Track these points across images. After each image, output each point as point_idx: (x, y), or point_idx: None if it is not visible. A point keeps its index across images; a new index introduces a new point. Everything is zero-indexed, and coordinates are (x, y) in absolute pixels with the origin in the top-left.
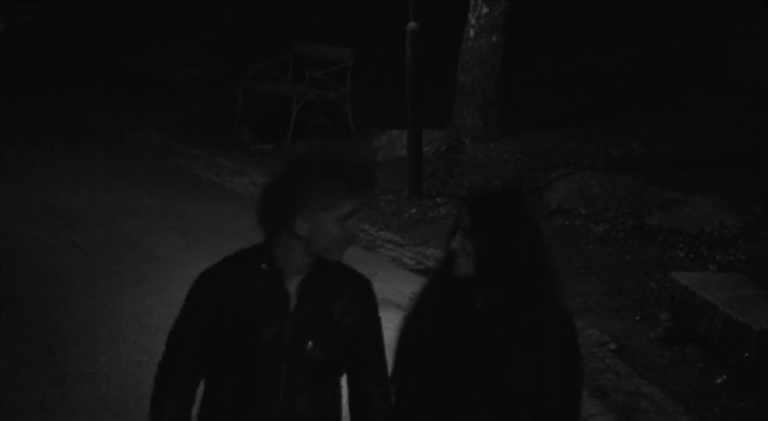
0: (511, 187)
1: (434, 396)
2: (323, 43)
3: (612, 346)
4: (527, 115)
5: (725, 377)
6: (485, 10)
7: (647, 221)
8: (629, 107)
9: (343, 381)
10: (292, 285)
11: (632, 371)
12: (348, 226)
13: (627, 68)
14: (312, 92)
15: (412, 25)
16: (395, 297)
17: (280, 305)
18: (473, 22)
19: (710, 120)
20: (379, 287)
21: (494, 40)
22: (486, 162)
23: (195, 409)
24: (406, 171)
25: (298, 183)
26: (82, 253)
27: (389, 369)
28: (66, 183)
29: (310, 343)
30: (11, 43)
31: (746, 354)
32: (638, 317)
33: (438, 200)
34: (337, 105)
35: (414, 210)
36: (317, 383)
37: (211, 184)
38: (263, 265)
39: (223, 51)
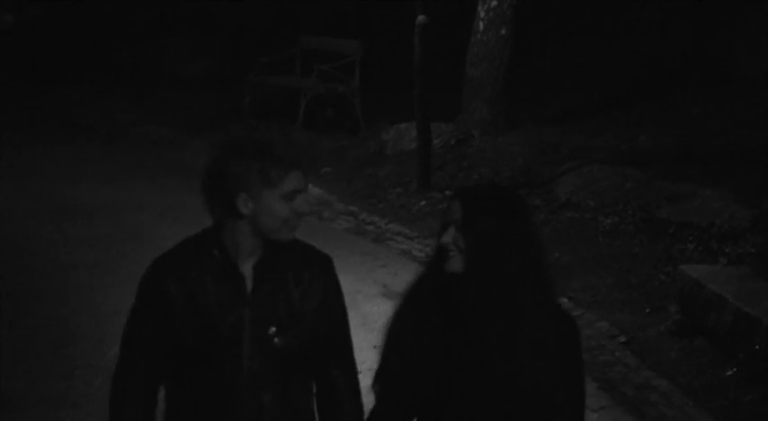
0: (506, 182)
1: (420, 402)
2: (331, 36)
3: (622, 339)
4: (535, 108)
5: (734, 370)
6: (494, 3)
7: (655, 214)
8: (636, 102)
9: None
10: (247, 269)
11: (641, 364)
12: (295, 204)
13: (633, 63)
14: (320, 85)
15: (421, 18)
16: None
17: (235, 290)
18: (482, 14)
19: (715, 116)
20: (388, 279)
21: (503, 32)
22: (494, 155)
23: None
24: (414, 164)
25: (236, 163)
26: (88, 247)
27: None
28: (71, 179)
29: (272, 329)
30: (16, 38)
31: (756, 347)
32: (647, 310)
33: (447, 192)
34: (346, 99)
35: (423, 203)
36: (283, 374)
37: None
38: (214, 251)
39: (228, 46)
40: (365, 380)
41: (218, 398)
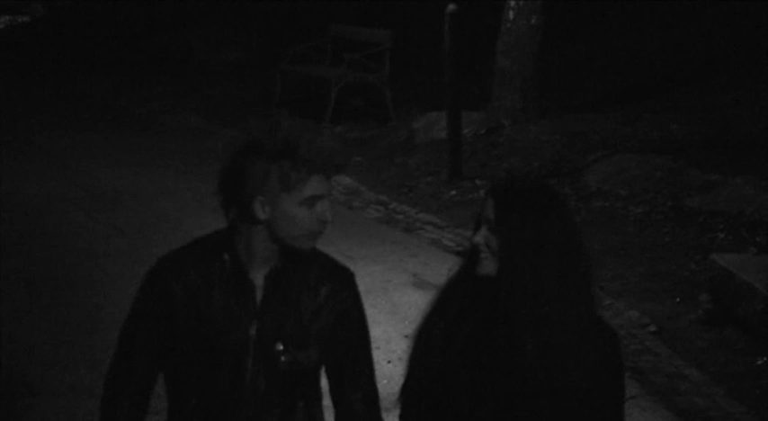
0: (542, 176)
1: (447, 417)
2: (361, 26)
3: (652, 328)
4: (566, 97)
5: (765, 358)
6: None
7: (686, 203)
8: (667, 89)
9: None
10: (258, 278)
11: (672, 353)
12: (316, 210)
13: (664, 50)
14: (351, 74)
15: (451, 7)
16: (435, 279)
17: (243, 300)
18: (512, 3)
19: (746, 103)
20: (418, 268)
21: (533, 21)
22: (524, 144)
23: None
24: (445, 153)
25: (255, 163)
26: (119, 235)
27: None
28: (104, 166)
29: (279, 345)
30: (50, 26)
31: None
32: (677, 299)
33: (477, 182)
34: (376, 88)
35: (453, 192)
36: (289, 397)
37: None
38: (225, 256)
39: (260, 34)
40: (396, 370)
41: (216, 417)
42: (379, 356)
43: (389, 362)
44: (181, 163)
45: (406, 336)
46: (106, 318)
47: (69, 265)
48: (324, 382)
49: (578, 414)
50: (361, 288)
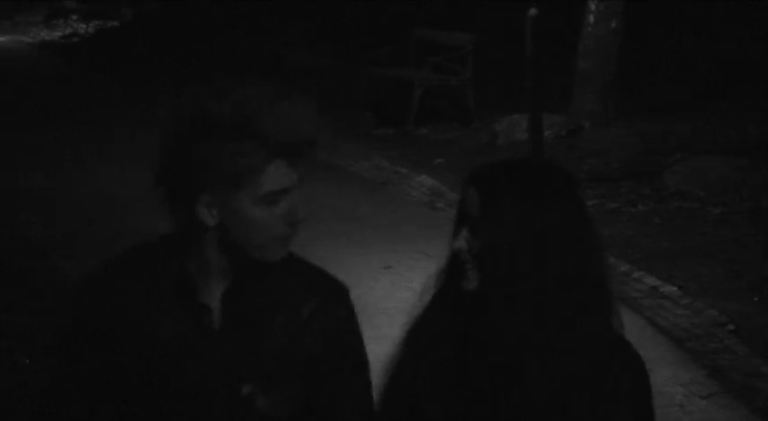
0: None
1: None
2: (444, 29)
3: (730, 327)
4: (645, 99)
5: None
6: None
7: (764, 203)
8: (745, 90)
9: None
10: (214, 298)
11: (750, 352)
12: (280, 209)
13: (742, 51)
14: (434, 77)
15: (532, 11)
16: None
17: (196, 328)
18: (593, 8)
19: None
20: None
21: (613, 25)
22: (604, 146)
23: None
24: (526, 154)
25: (193, 146)
26: None
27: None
28: None
29: (248, 386)
30: (138, 30)
31: None
32: (755, 299)
33: None
34: (459, 90)
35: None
36: None
37: (334, 168)
38: (173, 269)
39: (345, 38)
40: None
41: None
42: None
43: None
44: None
45: None
46: None
47: None
48: None
49: None
50: None
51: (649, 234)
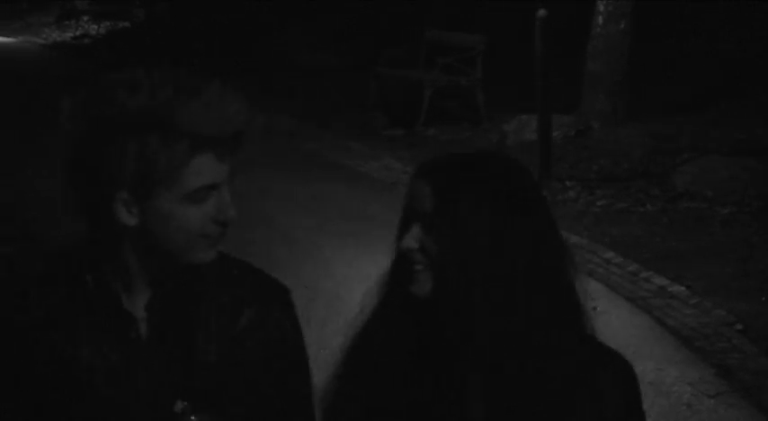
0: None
1: None
2: (454, 30)
3: (739, 326)
4: (654, 99)
5: None
6: None
7: None
8: (753, 91)
9: None
10: (138, 307)
11: (758, 351)
12: (208, 206)
13: (750, 52)
14: (444, 78)
15: (541, 12)
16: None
17: (121, 341)
18: (601, 9)
19: None
20: None
21: (622, 26)
22: (613, 146)
23: None
24: (535, 155)
25: (108, 139)
26: None
27: None
28: None
29: (181, 404)
30: (149, 31)
31: None
32: (763, 298)
33: (567, 183)
34: (468, 91)
35: (543, 193)
36: None
37: (344, 168)
38: (87, 277)
39: (356, 38)
40: None
41: None
42: None
43: None
44: (275, 164)
45: None
46: None
47: None
48: None
49: None
50: None
51: (658, 234)
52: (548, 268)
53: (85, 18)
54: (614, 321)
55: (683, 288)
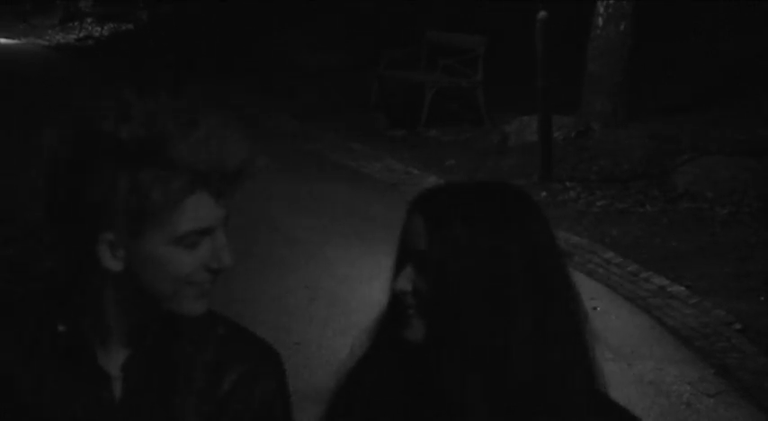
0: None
1: None
2: (455, 31)
3: (738, 326)
4: (655, 100)
5: None
6: None
7: None
8: (753, 92)
9: None
10: (114, 363)
11: (757, 351)
12: (201, 252)
13: (751, 53)
14: (445, 79)
15: (542, 14)
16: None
17: (93, 402)
18: (601, 10)
19: None
20: None
21: (622, 28)
22: (614, 147)
23: None
24: (536, 156)
25: (93, 172)
26: None
27: None
28: None
29: None
30: (152, 32)
31: None
32: (763, 298)
33: (567, 184)
34: (469, 92)
35: (544, 194)
36: None
37: (345, 168)
38: (60, 328)
39: (357, 39)
40: None
41: None
42: None
43: None
44: (278, 164)
45: None
46: None
47: None
48: None
49: None
50: None
51: (658, 234)
52: (552, 311)
53: (89, 20)
54: (614, 321)
55: (682, 288)
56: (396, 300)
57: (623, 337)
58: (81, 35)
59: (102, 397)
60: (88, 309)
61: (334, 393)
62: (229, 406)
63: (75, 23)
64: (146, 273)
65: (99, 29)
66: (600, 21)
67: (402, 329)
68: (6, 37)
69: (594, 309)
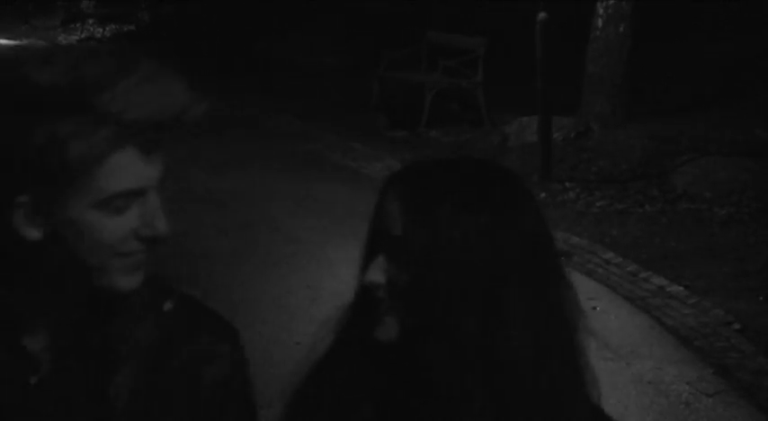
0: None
1: None
2: (456, 33)
3: (737, 326)
4: (654, 101)
5: None
6: (612, 0)
7: None
8: (752, 92)
9: None
10: (41, 344)
11: (756, 350)
12: (130, 218)
13: (750, 54)
14: (445, 80)
15: (542, 15)
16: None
17: (18, 385)
18: (601, 11)
19: None
20: None
21: (621, 29)
22: (613, 147)
23: None
24: (536, 156)
25: (8, 125)
26: (222, 235)
27: None
28: (208, 168)
29: None
30: (154, 33)
31: None
32: (761, 298)
33: (567, 184)
34: (469, 93)
35: (543, 195)
36: None
37: (346, 169)
38: None
39: (358, 39)
40: None
41: None
42: None
43: None
44: (280, 165)
45: None
46: None
47: (172, 264)
48: None
49: None
50: None
51: (657, 234)
52: (547, 313)
53: (91, 21)
54: (614, 321)
55: (681, 288)
56: (365, 293)
57: (622, 337)
58: (83, 36)
59: (29, 383)
60: (12, 282)
61: (298, 391)
62: (174, 390)
63: (77, 24)
64: (69, 242)
65: (101, 30)
66: (599, 22)
67: (372, 327)
68: (8, 38)
69: (594, 308)
